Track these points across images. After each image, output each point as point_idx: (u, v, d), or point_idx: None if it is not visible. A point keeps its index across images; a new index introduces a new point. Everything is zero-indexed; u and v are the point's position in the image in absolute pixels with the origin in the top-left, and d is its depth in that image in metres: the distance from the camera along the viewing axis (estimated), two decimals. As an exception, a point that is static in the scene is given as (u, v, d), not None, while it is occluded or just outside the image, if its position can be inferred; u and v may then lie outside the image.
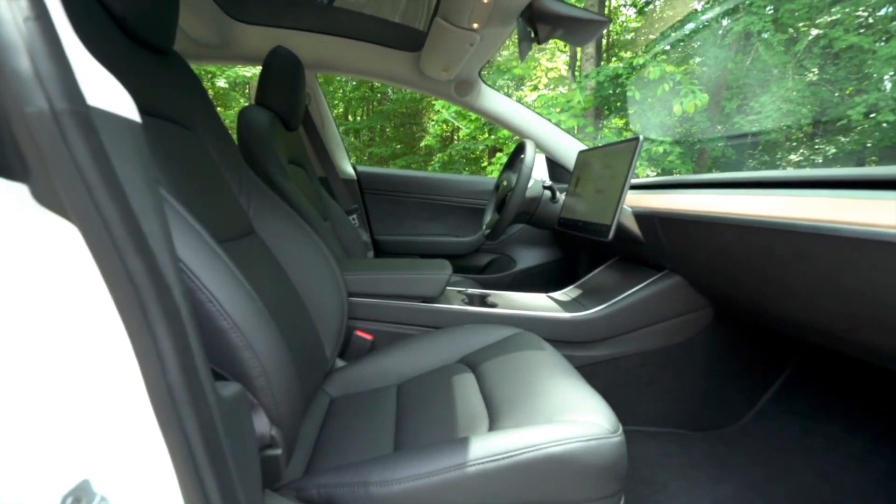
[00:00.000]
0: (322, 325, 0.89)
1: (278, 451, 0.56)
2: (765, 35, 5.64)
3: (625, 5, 7.99)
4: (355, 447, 0.73)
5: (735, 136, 5.91)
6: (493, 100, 1.70)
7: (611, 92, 6.36)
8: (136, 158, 0.35)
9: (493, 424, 0.70)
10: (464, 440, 0.60)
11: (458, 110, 7.08)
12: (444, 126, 8.06)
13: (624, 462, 0.61)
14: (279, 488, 0.61)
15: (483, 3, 1.11)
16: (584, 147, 1.62)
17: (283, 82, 1.29)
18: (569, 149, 1.69)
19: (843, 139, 5.37)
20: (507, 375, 0.81)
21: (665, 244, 1.08)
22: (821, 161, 5.58)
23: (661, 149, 5.85)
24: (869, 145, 5.11)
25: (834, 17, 5.32)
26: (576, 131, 5.90)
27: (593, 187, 1.25)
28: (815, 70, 5.60)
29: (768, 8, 5.62)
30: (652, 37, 7.56)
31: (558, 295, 1.36)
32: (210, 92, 6.23)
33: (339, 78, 8.82)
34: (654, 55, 6.17)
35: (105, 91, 0.34)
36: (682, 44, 6.51)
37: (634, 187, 1.29)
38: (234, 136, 1.04)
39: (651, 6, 7.82)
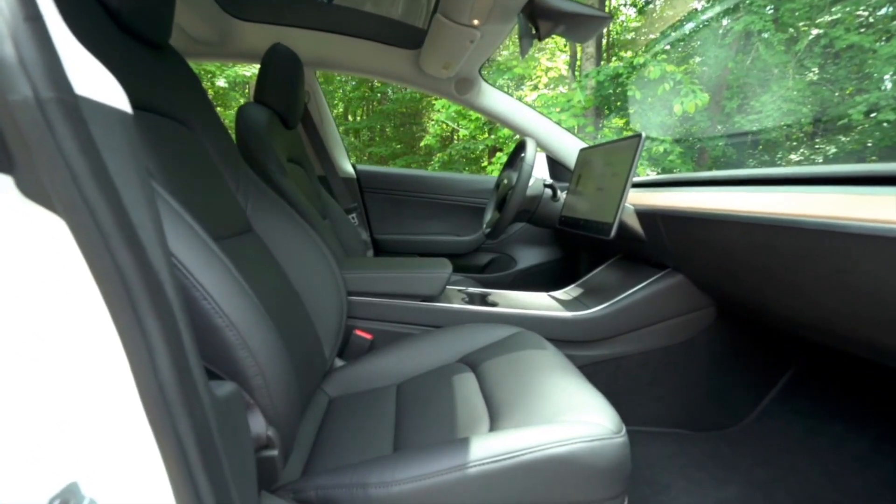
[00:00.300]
0: (321, 325, 0.88)
1: (275, 452, 0.55)
2: (765, 34, 5.64)
3: (625, 5, 7.98)
4: (354, 448, 0.72)
5: (735, 135, 5.91)
6: (494, 98, 1.69)
7: (611, 91, 6.35)
8: (127, 150, 0.34)
9: (494, 424, 0.69)
10: (464, 441, 0.59)
11: (458, 111, 7.07)
12: (444, 126, 8.06)
13: (628, 463, 0.60)
14: (276, 490, 0.60)
15: (484, -1, 1.10)
16: (585, 145, 1.61)
17: (281, 80, 1.28)
18: (570, 147, 1.68)
19: (843, 138, 5.37)
20: (508, 375, 0.80)
21: (667, 242, 1.07)
22: (821, 161, 5.58)
23: (661, 148, 5.85)
24: (870, 145, 5.11)
25: (834, 17, 5.32)
26: (576, 131, 5.89)
27: (595, 185, 1.24)
28: (816, 69, 5.60)
29: (769, 7, 5.62)
30: (652, 36, 7.55)
31: (559, 294, 1.35)
32: (210, 92, 6.22)
33: (339, 77, 8.82)
34: (655, 54, 6.18)
35: (94, 80, 0.33)
36: (682, 43, 6.51)
37: (636, 185, 1.28)
38: (233, 135, 1.03)
39: (651, 6, 7.81)
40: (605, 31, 7.08)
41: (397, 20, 1.46)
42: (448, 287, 1.27)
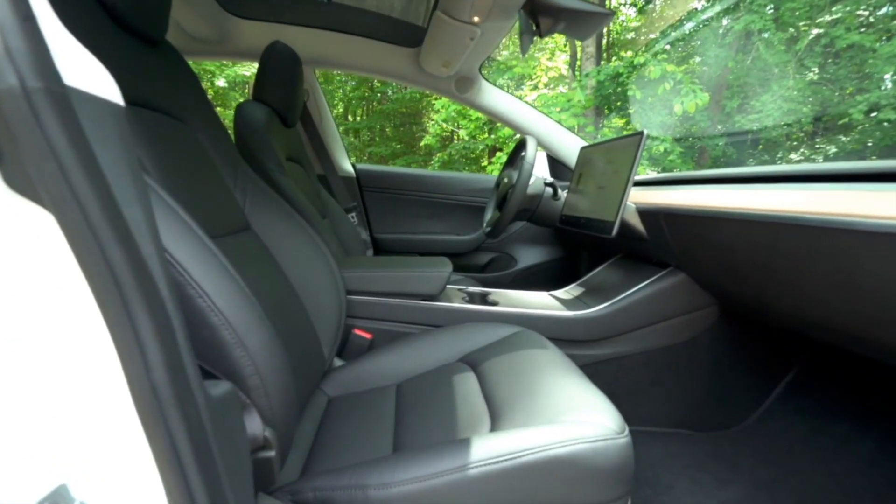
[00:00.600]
0: (319, 324, 0.87)
1: (272, 453, 0.54)
2: (765, 34, 5.64)
3: (625, 4, 7.97)
4: (353, 448, 0.71)
5: (736, 135, 5.91)
6: (494, 96, 1.69)
7: (611, 91, 6.35)
8: (118, 143, 0.33)
9: (495, 425, 0.68)
10: (465, 441, 0.58)
11: (458, 111, 7.07)
12: (444, 126, 8.05)
13: (631, 463, 0.59)
14: (273, 491, 0.59)
15: (484, -5, 1.10)
16: (586, 144, 1.60)
17: (280, 78, 1.27)
18: (570, 146, 1.68)
19: (843, 138, 5.36)
20: (509, 374, 0.79)
21: (669, 240, 1.06)
22: (821, 160, 5.57)
23: (661, 148, 5.84)
24: (870, 144, 5.10)
25: (835, 16, 5.31)
26: (576, 130, 5.87)
27: (596, 183, 1.23)
28: (816, 69, 5.59)
29: (769, 7, 5.61)
30: (652, 36, 7.55)
31: (560, 293, 1.34)
32: (209, 92, 6.22)
33: (338, 77, 8.81)
34: (655, 54, 6.17)
35: (85, 71, 0.32)
36: (682, 43, 6.51)
37: (638, 184, 1.27)
38: (232, 133, 1.02)
39: (651, 5, 7.81)
40: (605, 30, 7.08)
41: (397, 18, 1.45)
42: (448, 286, 1.26)
